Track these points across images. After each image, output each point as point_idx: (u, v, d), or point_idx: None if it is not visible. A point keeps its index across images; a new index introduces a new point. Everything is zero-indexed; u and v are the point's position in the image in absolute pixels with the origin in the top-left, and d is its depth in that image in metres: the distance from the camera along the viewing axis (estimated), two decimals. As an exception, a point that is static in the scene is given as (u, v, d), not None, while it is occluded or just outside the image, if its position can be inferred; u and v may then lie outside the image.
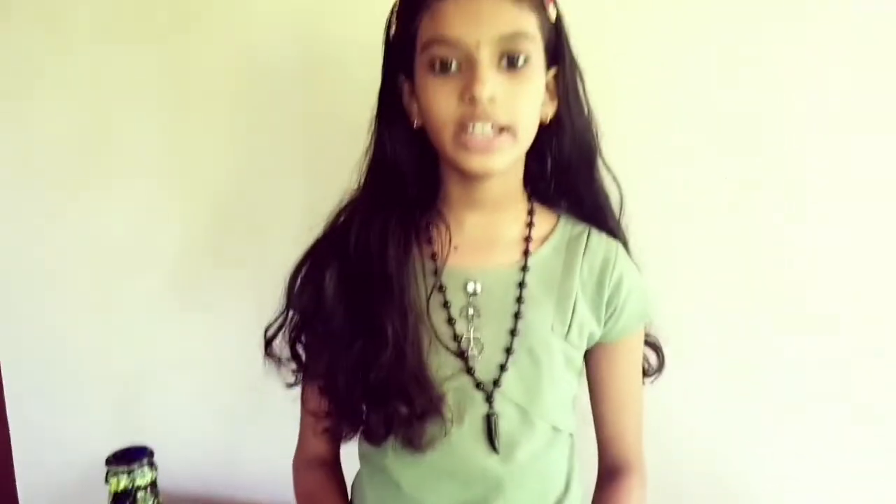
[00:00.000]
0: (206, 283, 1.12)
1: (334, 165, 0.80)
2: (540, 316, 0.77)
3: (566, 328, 0.78)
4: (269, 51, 1.02)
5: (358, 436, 0.79)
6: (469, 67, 0.68)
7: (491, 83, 0.67)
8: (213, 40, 1.03)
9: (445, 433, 0.74)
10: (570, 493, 0.81)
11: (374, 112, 0.77)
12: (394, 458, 0.77)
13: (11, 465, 1.21)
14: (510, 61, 0.68)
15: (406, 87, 0.75)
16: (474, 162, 0.70)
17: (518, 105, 0.70)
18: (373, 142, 0.78)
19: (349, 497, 0.86)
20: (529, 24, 0.69)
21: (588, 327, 0.79)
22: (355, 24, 0.72)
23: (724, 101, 0.95)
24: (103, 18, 1.03)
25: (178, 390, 1.16)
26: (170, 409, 1.17)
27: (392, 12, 0.74)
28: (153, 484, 0.81)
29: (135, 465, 0.80)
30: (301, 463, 0.87)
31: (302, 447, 0.88)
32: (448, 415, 0.74)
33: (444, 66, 0.68)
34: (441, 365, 0.75)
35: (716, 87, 0.95)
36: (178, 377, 1.15)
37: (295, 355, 0.81)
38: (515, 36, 0.67)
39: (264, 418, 1.08)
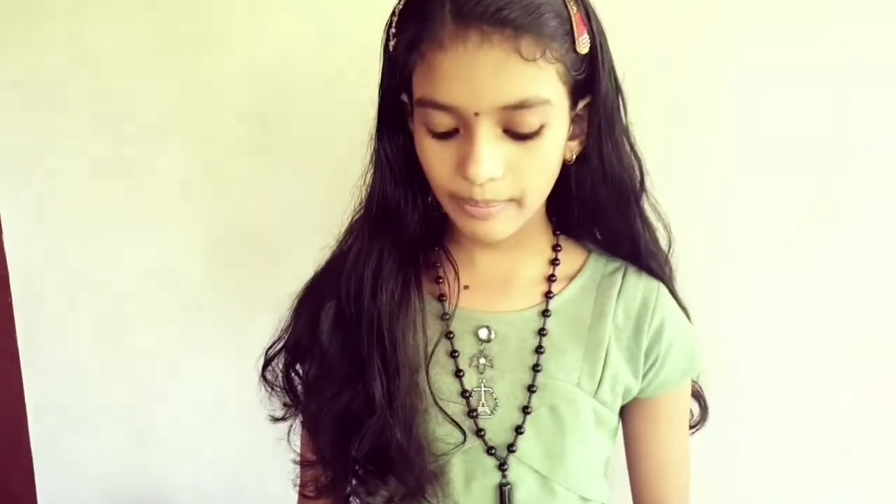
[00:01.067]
0: (229, 320, 1.05)
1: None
2: (564, 368, 0.66)
3: (596, 382, 0.66)
4: (293, 75, 0.95)
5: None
6: (467, 133, 0.56)
7: (490, 163, 0.55)
8: (237, 69, 0.97)
9: None
10: (603, 576, 0.70)
11: (373, 129, 0.65)
12: None
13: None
14: (517, 134, 0.56)
15: (409, 106, 0.61)
16: (474, 229, 0.61)
17: (526, 176, 0.58)
18: (372, 162, 0.66)
19: None
20: (544, 84, 0.55)
21: (623, 381, 0.68)
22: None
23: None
24: (126, 46, 0.98)
25: (194, 431, 1.11)
26: (186, 451, 1.12)
27: (388, 24, 0.60)
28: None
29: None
30: None
31: None
32: (448, 490, 0.64)
33: (440, 133, 0.57)
34: (442, 429, 0.65)
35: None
36: (195, 416, 1.10)
37: (288, 384, 0.72)
38: (523, 105, 0.54)
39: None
